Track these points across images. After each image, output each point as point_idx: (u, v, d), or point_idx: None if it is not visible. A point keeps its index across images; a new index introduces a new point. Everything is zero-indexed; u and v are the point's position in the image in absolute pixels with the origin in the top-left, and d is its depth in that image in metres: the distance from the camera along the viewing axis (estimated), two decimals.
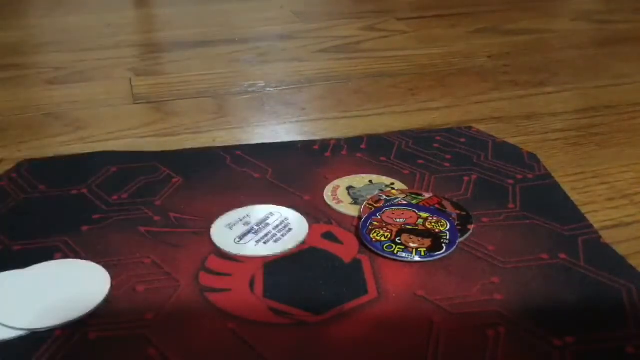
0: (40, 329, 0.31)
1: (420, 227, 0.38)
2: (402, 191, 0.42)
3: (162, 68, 0.67)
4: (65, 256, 0.36)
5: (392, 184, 0.43)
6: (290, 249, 0.37)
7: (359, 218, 0.39)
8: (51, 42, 0.76)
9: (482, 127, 0.52)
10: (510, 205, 0.41)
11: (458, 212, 0.40)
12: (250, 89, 0.61)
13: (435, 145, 0.49)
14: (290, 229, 0.38)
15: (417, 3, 0.91)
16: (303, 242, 0.37)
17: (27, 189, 0.43)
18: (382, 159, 0.47)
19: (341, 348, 0.30)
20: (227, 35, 0.77)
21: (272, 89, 0.61)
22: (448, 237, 0.37)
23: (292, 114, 0.56)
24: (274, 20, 0.84)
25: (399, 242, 0.36)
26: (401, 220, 0.39)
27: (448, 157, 0.47)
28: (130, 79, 0.64)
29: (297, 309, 0.32)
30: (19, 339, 0.30)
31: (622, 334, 0.30)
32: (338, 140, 0.50)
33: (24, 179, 0.45)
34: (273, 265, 0.35)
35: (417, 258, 0.35)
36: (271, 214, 0.40)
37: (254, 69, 0.67)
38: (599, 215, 0.40)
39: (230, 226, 0.39)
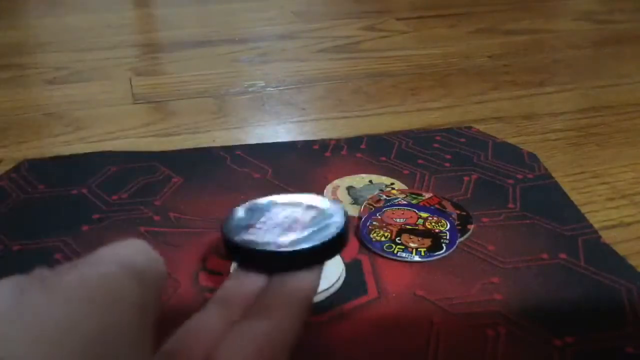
0: None
1: (420, 227, 0.38)
2: (402, 191, 0.42)
3: (162, 68, 0.67)
4: (66, 256, 0.36)
5: (392, 184, 0.43)
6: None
7: (359, 218, 0.39)
8: (51, 42, 0.76)
9: (482, 127, 0.52)
10: (510, 205, 0.41)
11: (458, 212, 0.40)
12: (250, 89, 0.61)
13: (435, 145, 0.49)
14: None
15: (417, 3, 0.91)
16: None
17: (27, 189, 0.43)
18: (382, 159, 0.47)
19: (341, 348, 0.30)
20: (227, 35, 0.77)
21: (272, 89, 0.61)
22: (448, 237, 0.37)
23: (292, 114, 0.56)
24: (274, 20, 0.84)
25: (399, 242, 0.36)
26: (401, 220, 0.38)
27: (448, 157, 0.47)
28: (130, 79, 0.64)
29: None
30: None
31: (622, 334, 0.30)
32: (338, 140, 0.50)
33: (24, 179, 0.45)
34: None
35: (417, 258, 0.35)
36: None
37: (254, 69, 0.67)
38: (599, 215, 0.40)
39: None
